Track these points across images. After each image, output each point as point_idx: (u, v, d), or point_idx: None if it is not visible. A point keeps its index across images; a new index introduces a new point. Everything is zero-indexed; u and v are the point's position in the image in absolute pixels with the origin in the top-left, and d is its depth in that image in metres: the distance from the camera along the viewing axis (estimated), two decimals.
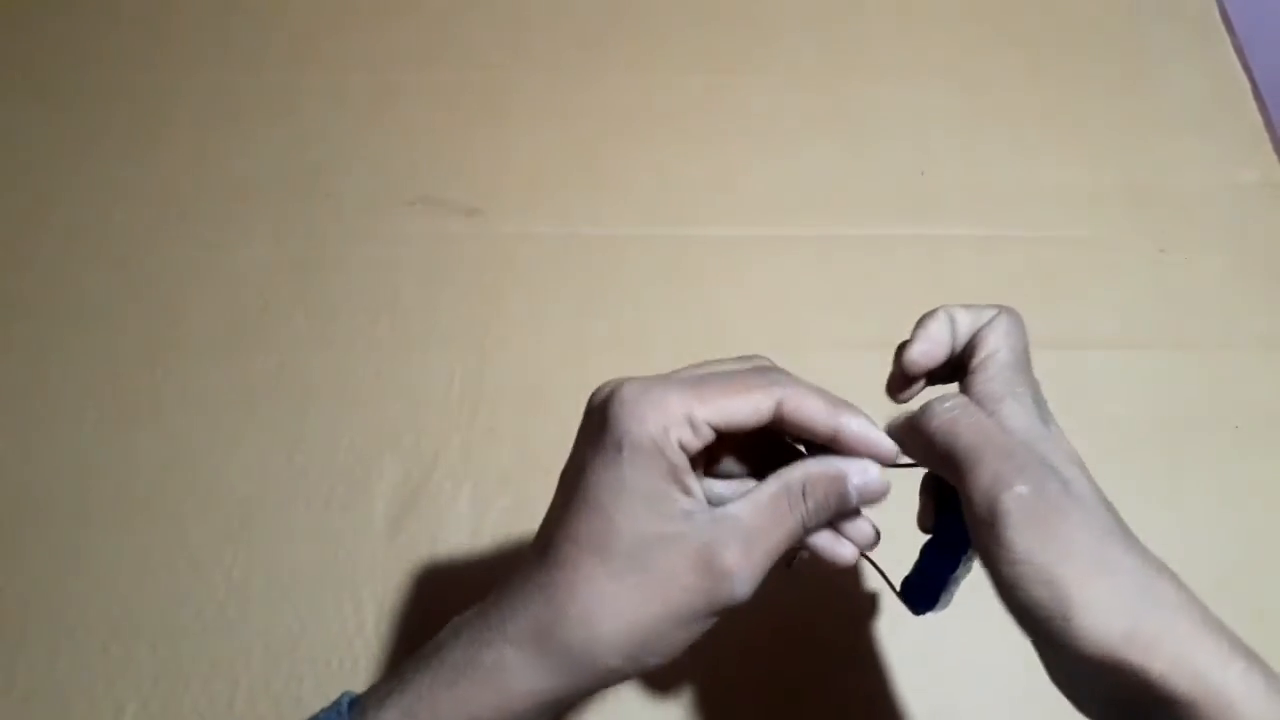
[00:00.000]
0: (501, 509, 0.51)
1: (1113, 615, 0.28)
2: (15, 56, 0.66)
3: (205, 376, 0.55)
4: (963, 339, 0.35)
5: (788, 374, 0.33)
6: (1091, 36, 0.70)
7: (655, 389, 0.31)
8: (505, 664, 0.30)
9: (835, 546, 0.33)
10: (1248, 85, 0.67)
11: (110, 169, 0.62)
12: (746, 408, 0.31)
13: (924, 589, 0.35)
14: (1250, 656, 0.28)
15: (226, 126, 0.64)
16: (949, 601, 0.36)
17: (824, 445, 0.32)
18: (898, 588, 0.36)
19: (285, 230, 0.60)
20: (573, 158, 0.63)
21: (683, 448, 0.30)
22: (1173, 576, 0.30)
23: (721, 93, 0.66)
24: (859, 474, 0.32)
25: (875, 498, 0.32)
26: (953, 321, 0.36)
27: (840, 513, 0.32)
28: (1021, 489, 0.29)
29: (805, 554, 0.35)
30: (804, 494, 0.31)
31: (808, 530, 0.32)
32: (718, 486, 0.34)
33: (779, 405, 0.31)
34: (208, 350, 0.55)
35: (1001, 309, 0.36)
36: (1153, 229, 0.61)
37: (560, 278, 0.59)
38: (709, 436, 0.31)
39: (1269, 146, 0.65)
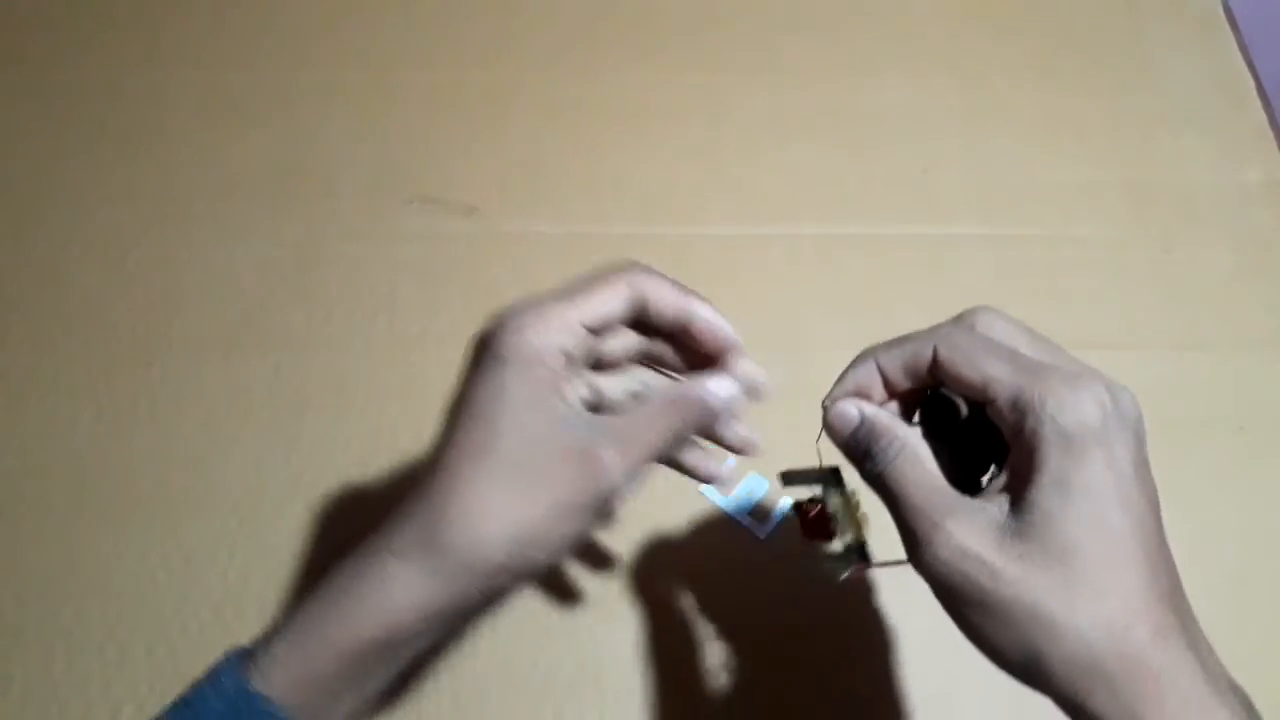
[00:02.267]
0: None
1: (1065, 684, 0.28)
2: (10, 54, 0.66)
3: (202, 376, 0.54)
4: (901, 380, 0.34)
5: (647, 268, 0.35)
6: (1095, 34, 0.69)
7: (531, 305, 0.33)
8: (389, 575, 0.31)
9: (706, 463, 0.39)
10: (1252, 83, 0.67)
11: (106, 167, 0.61)
12: (609, 300, 0.34)
13: None
14: (1216, 712, 0.28)
15: (223, 125, 0.63)
16: None
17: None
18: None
19: (282, 229, 0.60)
20: (571, 156, 0.63)
21: (562, 352, 0.33)
22: (1144, 623, 0.29)
23: (721, 91, 0.66)
24: (716, 385, 0.35)
25: (728, 405, 0.35)
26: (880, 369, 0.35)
27: (703, 424, 0.35)
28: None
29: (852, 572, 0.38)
30: (674, 404, 0.34)
31: (681, 437, 0.35)
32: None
33: (635, 293, 0.34)
34: (204, 350, 0.55)
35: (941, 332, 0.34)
36: (1156, 228, 0.61)
37: (559, 277, 0.57)
38: (583, 336, 0.33)
39: (1273, 145, 0.64)
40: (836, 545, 0.40)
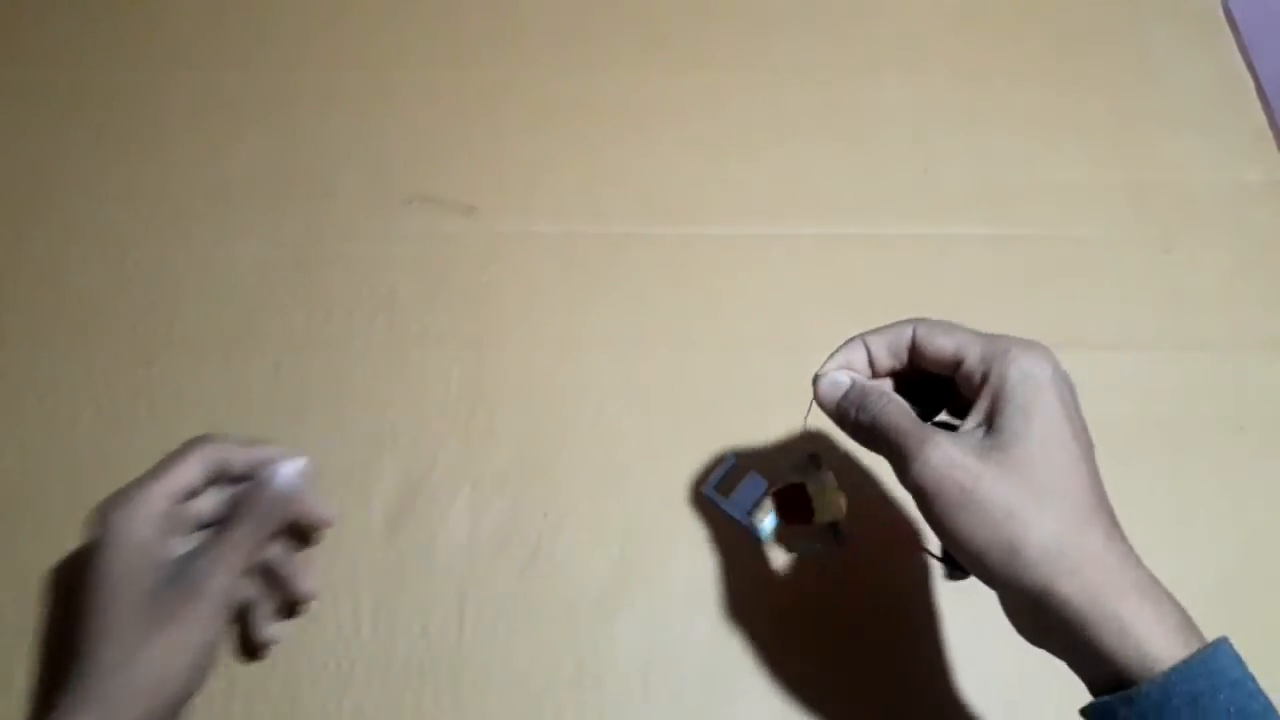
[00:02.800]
0: (500, 509, 0.51)
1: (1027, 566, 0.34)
2: (8, 54, 0.66)
3: (202, 376, 0.54)
4: (885, 364, 0.41)
5: (214, 438, 0.44)
6: (1095, 34, 0.69)
7: (118, 494, 0.41)
8: None
9: (264, 626, 0.46)
10: (1251, 84, 0.67)
11: (104, 168, 0.61)
12: (185, 473, 0.42)
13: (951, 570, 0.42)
14: (1161, 600, 0.34)
15: (221, 125, 0.63)
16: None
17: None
18: (939, 555, 0.41)
19: (281, 229, 0.59)
20: (570, 156, 0.63)
21: (153, 523, 0.40)
22: (1096, 526, 0.35)
23: (721, 90, 0.66)
24: (270, 478, 0.42)
25: (292, 485, 0.43)
26: (867, 349, 0.41)
27: (277, 509, 0.42)
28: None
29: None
30: (245, 509, 0.42)
31: (263, 529, 0.42)
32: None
33: (208, 461, 0.42)
34: (204, 349, 0.55)
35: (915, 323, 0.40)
36: (1156, 228, 0.61)
37: (558, 276, 0.58)
38: (173, 503, 0.41)
39: (1273, 146, 0.64)
40: (815, 527, 0.45)
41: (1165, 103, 0.66)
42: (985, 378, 0.37)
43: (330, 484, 0.51)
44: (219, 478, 0.43)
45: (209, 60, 0.66)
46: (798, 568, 0.50)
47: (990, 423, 0.36)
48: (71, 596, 0.41)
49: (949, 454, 0.35)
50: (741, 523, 0.51)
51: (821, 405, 0.40)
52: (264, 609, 0.46)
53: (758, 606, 0.49)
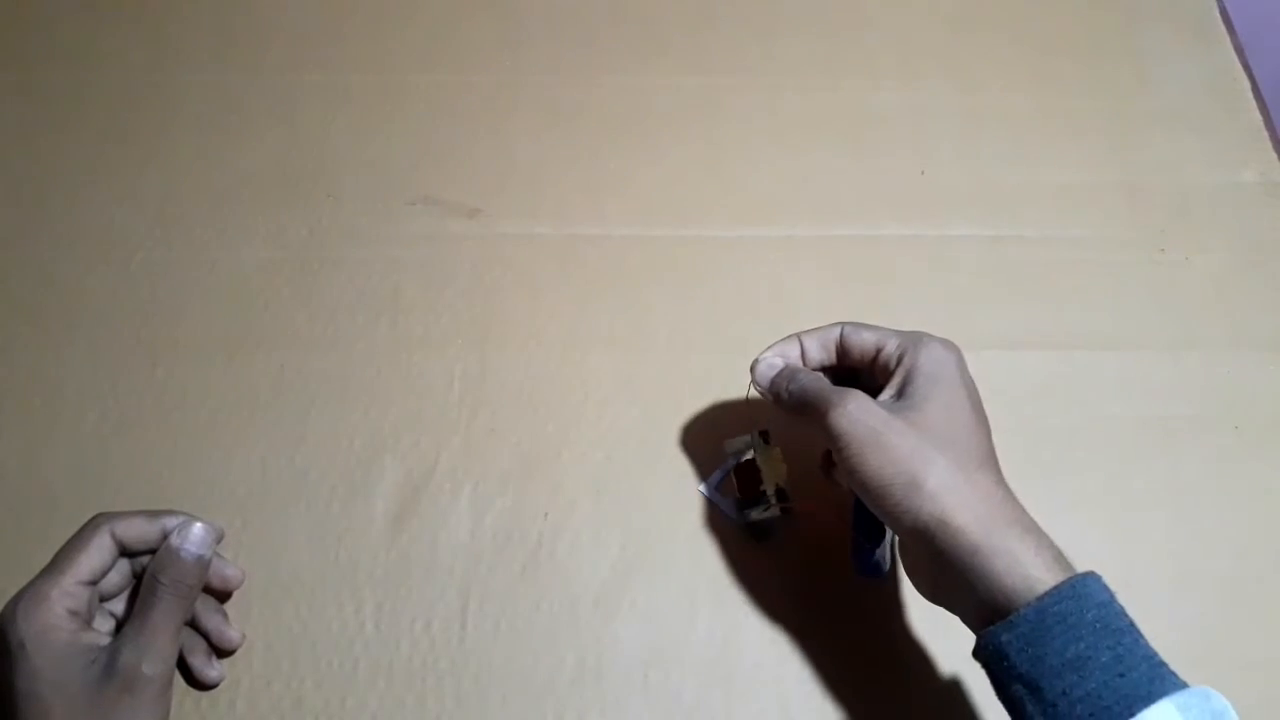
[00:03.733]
0: (502, 509, 0.52)
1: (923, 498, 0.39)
2: (15, 56, 0.66)
3: (206, 377, 0.55)
4: (815, 359, 0.46)
5: (112, 515, 0.43)
6: (1091, 36, 0.70)
7: (26, 591, 0.40)
8: None
9: (206, 670, 0.45)
10: (1247, 85, 0.67)
11: (110, 170, 0.62)
12: (92, 556, 0.42)
13: (860, 561, 0.48)
14: (1041, 536, 0.38)
15: (227, 127, 0.64)
16: (883, 568, 0.48)
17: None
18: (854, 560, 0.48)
19: (286, 231, 0.60)
20: (573, 158, 0.63)
21: (68, 614, 0.40)
22: (987, 472, 0.40)
23: (721, 93, 0.66)
24: (179, 550, 0.42)
25: (200, 552, 0.43)
26: (800, 344, 0.46)
27: (192, 579, 0.42)
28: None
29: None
30: (157, 581, 0.41)
31: (185, 601, 0.42)
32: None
33: (113, 539, 0.42)
34: (208, 351, 0.56)
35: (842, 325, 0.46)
36: (1152, 229, 0.61)
37: (560, 278, 0.59)
38: (82, 591, 0.41)
39: (1269, 146, 0.65)
40: (764, 496, 0.49)
41: (1161, 103, 0.66)
42: (901, 359, 0.43)
43: (333, 484, 0.52)
44: (123, 552, 0.43)
45: (215, 63, 0.66)
46: (797, 565, 0.50)
47: (902, 392, 0.42)
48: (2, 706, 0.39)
49: (864, 404, 0.41)
50: (740, 522, 0.51)
51: (757, 384, 0.46)
52: (199, 654, 0.46)
53: (757, 604, 0.49)
